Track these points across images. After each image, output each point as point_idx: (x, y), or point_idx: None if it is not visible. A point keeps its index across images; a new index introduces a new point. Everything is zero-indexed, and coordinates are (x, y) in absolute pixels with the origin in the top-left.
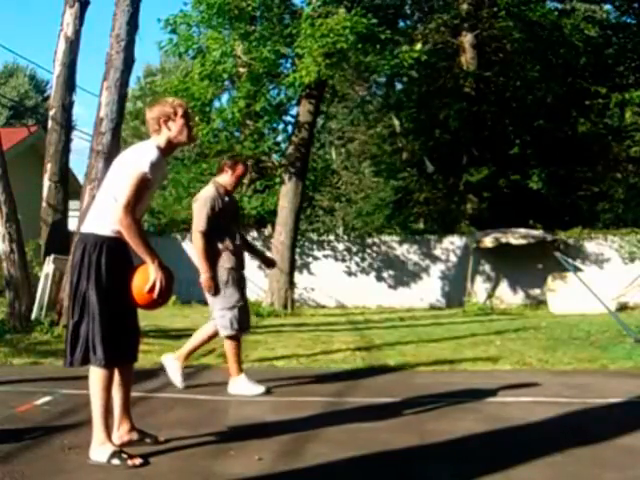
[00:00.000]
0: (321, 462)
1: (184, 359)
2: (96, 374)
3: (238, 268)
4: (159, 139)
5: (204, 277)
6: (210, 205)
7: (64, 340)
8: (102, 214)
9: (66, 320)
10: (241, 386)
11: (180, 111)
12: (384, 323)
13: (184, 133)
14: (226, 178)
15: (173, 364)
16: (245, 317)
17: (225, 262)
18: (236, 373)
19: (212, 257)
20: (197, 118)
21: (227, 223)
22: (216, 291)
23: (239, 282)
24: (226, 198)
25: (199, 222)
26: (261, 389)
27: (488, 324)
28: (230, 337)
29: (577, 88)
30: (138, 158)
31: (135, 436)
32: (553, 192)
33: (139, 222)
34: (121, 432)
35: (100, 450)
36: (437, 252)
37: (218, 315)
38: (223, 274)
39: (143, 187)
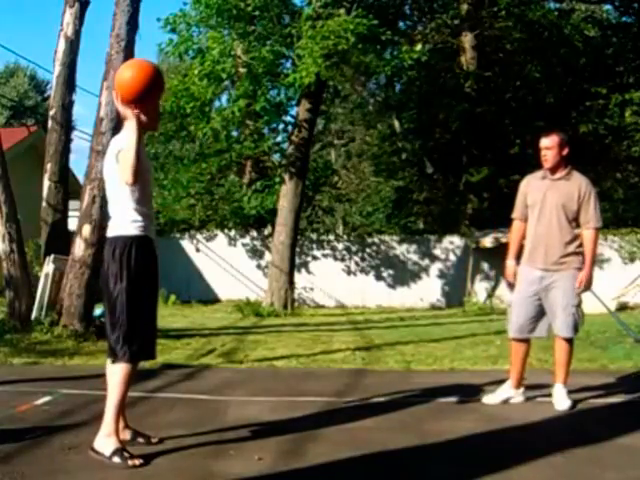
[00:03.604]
0: (321, 462)
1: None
2: (119, 368)
3: (531, 263)
4: (135, 123)
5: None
6: (521, 190)
7: (108, 341)
8: (122, 216)
9: (67, 320)
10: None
11: (160, 94)
12: (384, 323)
13: (155, 120)
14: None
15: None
16: (513, 321)
17: (524, 250)
18: (511, 382)
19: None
20: (197, 118)
21: (535, 208)
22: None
23: (526, 280)
24: (543, 181)
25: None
26: (489, 399)
27: (488, 324)
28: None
29: (577, 88)
30: (120, 143)
31: (128, 435)
32: None
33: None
34: None
35: (105, 441)
36: (437, 252)
37: None
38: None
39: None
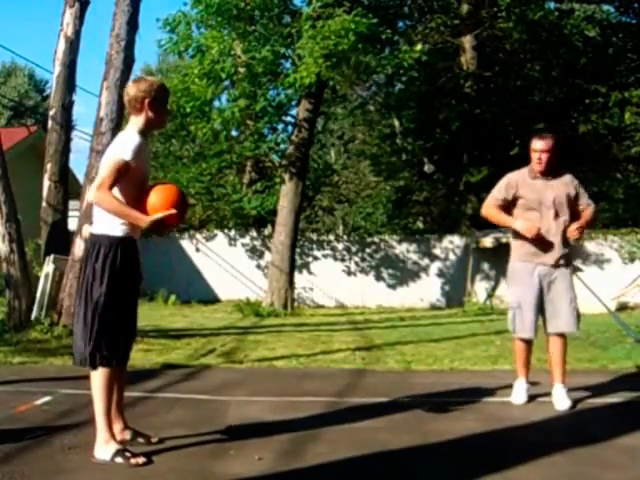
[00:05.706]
0: (321, 462)
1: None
2: (99, 373)
3: (536, 260)
4: (139, 121)
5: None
6: (509, 183)
7: (73, 340)
8: (109, 214)
9: (67, 320)
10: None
11: (165, 95)
12: (384, 323)
13: (163, 118)
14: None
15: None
16: (525, 321)
17: (516, 248)
18: (523, 378)
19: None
20: (197, 117)
21: (534, 208)
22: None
23: (529, 278)
24: (536, 181)
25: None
26: (519, 399)
27: (488, 324)
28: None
29: (577, 88)
30: (119, 146)
31: (128, 435)
32: None
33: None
34: (114, 431)
35: (104, 449)
36: (437, 252)
37: None
38: (511, 263)
39: (122, 172)
